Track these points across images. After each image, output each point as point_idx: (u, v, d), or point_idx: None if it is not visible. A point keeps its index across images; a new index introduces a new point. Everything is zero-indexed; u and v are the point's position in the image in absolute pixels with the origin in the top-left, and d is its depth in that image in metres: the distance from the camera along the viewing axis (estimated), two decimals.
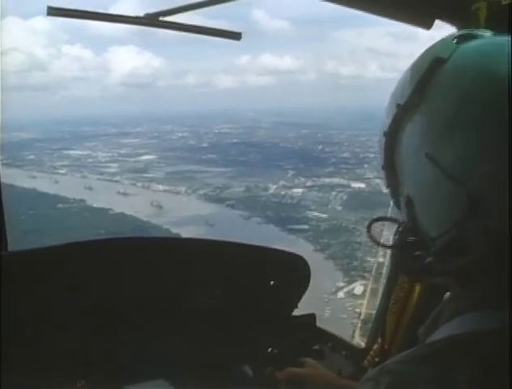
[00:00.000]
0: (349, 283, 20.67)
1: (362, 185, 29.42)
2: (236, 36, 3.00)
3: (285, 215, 27.51)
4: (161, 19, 2.89)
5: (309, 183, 30.97)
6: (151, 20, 2.91)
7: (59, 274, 2.49)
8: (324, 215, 26.68)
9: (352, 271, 21.49)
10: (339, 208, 27.77)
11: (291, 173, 32.43)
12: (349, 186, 29.81)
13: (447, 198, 1.20)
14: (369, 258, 21.27)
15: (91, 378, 2.48)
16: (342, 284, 20.71)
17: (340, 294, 20.06)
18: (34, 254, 2.58)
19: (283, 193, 29.93)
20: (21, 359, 2.37)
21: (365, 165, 31.35)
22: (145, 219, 26.47)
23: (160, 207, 29.28)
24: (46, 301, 2.46)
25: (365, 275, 20.57)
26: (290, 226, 25.52)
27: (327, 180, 31.07)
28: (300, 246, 21.75)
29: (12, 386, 2.30)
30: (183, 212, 27.55)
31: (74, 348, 2.48)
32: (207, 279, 2.77)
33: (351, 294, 19.77)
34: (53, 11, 2.78)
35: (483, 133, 1.14)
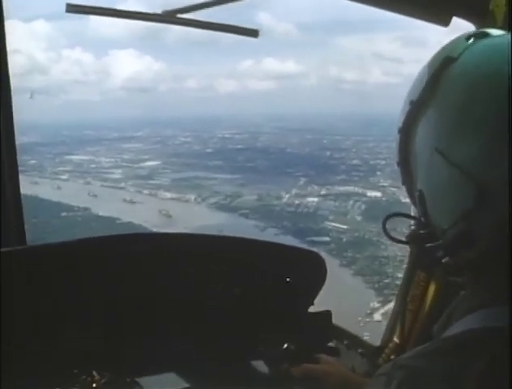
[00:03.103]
0: (384, 303, 19.02)
1: (378, 194, 28.01)
2: (253, 33, 3.07)
3: (303, 225, 26.09)
4: (179, 16, 2.98)
5: (323, 192, 29.53)
6: (169, 18, 3.01)
7: (74, 269, 2.53)
8: (344, 226, 25.27)
9: (384, 290, 20.01)
10: (359, 219, 26.33)
11: (302, 180, 31.00)
12: (365, 195, 28.34)
13: (456, 190, 1.24)
14: (400, 275, 19.89)
15: (105, 372, 2.42)
16: (376, 305, 19.26)
17: (377, 316, 18.46)
18: (49, 249, 2.65)
19: (297, 202, 28.48)
20: (36, 354, 2.38)
21: (378, 173, 30.16)
22: (154, 229, 25.05)
23: (169, 216, 27.83)
24: (60, 297, 2.49)
25: None
26: (310, 238, 23.92)
27: (341, 188, 29.67)
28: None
29: (28, 381, 2.30)
30: (194, 222, 25.92)
31: (88, 342, 2.49)
32: (223, 275, 2.78)
33: (388, 316, 18.19)
34: (72, 8, 2.79)
35: (491, 129, 1.18)
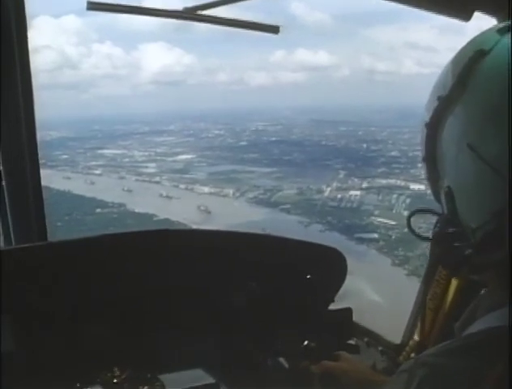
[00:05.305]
0: None
1: (422, 187, 26.67)
2: (274, 29, 3.11)
3: (348, 221, 25.05)
4: (199, 12, 2.99)
5: (364, 185, 28.56)
6: (190, 14, 3.02)
7: (94, 266, 2.54)
8: (392, 222, 23.98)
9: None
10: (406, 213, 25.17)
11: (342, 173, 29.99)
12: (408, 188, 27.22)
13: (487, 188, 1.20)
14: None
15: (129, 367, 2.49)
16: None
17: None
18: (69, 246, 2.67)
19: (339, 196, 27.46)
20: (57, 350, 2.43)
21: (418, 165, 28.88)
22: (194, 226, 24.27)
23: (209, 212, 26.96)
24: (80, 294, 2.51)
25: None
26: (358, 235, 23.10)
27: (383, 181, 28.69)
28: (374, 259, 19.66)
29: (50, 377, 2.35)
30: (234, 218, 24.95)
31: (109, 338, 2.53)
32: (244, 272, 2.79)
33: None
34: (93, 6, 2.84)
35: None
